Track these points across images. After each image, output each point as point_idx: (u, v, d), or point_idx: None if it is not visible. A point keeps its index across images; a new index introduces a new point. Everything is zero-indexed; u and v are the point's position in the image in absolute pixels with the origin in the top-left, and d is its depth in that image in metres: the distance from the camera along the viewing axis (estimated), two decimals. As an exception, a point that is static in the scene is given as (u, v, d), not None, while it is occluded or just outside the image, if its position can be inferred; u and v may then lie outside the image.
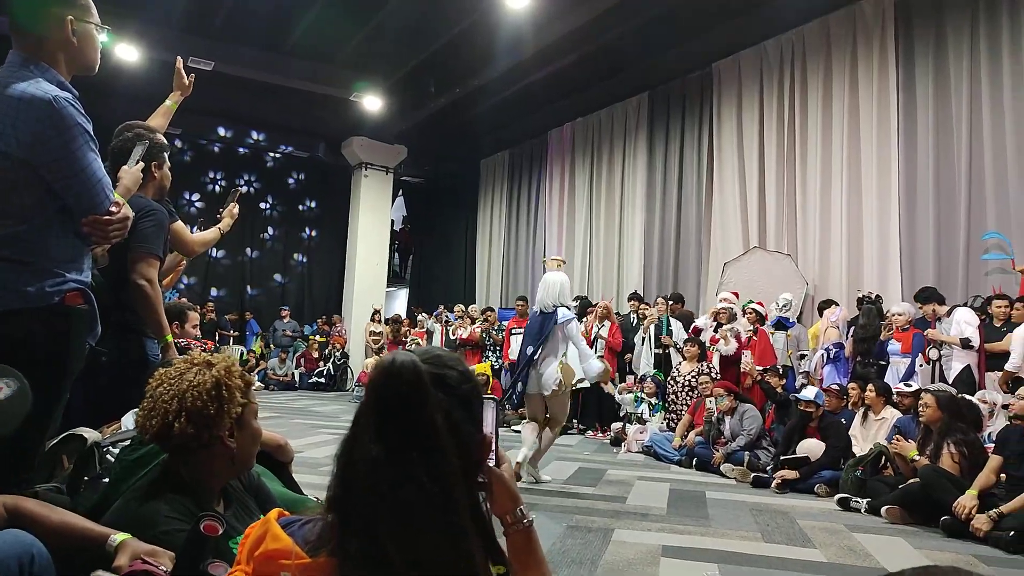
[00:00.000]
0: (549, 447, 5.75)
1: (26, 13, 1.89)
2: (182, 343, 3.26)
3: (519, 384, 5.53)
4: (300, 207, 16.46)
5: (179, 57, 3.41)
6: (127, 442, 1.92)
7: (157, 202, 2.77)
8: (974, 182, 7.25)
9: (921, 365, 6.38)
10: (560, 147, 13.37)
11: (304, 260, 16.43)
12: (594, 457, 7.01)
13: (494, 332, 10.67)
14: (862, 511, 4.93)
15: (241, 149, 15.46)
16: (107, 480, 1.87)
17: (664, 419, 7.78)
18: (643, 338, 8.79)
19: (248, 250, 15.63)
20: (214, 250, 14.15)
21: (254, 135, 14.61)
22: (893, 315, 6.77)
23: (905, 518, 4.67)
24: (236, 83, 11.43)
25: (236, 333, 14.22)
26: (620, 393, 8.40)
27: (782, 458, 5.80)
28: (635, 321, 9.26)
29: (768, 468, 5.94)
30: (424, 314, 13.34)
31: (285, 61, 11.17)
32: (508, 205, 14.87)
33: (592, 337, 8.63)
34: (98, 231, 1.94)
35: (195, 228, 3.59)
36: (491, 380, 9.41)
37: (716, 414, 6.65)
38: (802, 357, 7.85)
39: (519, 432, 8.45)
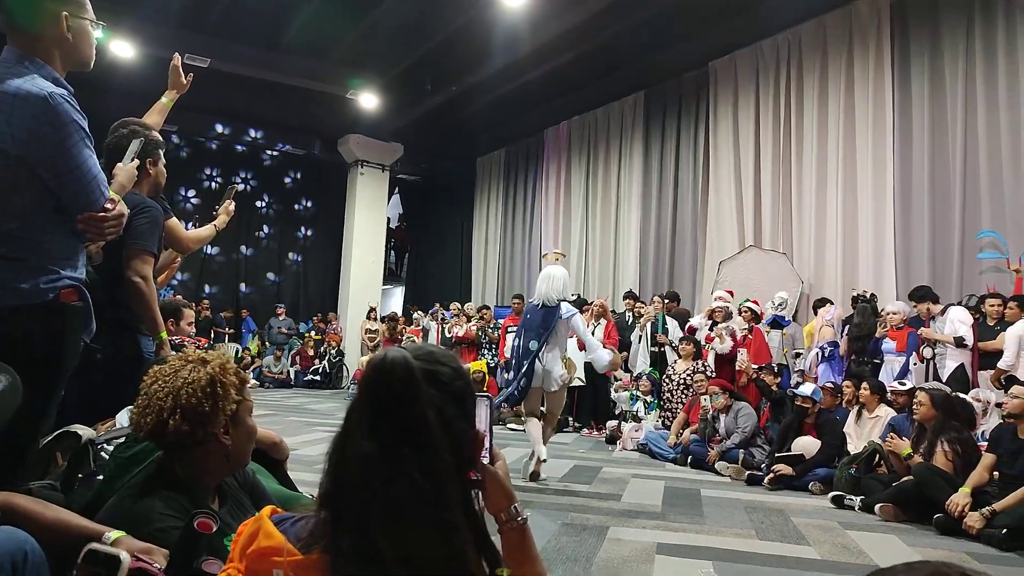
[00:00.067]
0: (547, 442, 5.75)
1: (21, 9, 1.89)
2: (176, 340, 3.25)
3: (522, 380, 5.35)
4: (296, 206, 16.44)
5: (176, 54, 3.40)
6: (122, 439, 1.92)
7: (152, 199, 2.76)
8: (969, 181, 7.28)
9: (915, 364, 6.40)
10: (556, 145, 13.37)
11: (299, 259, 16.41)
12: (589, 455, 7.02)
13: (490, 330, 10.68)
14: (856, 509, 4.95)
15: (239, 147, 15.43)
16: (101, 477, 1.86)
17: (659, 417, 7.80)
18: (640, 336, 8.80)
19: (243, 247, 15.60)
20: (209, 247, 14.12)
21: (252, 133, 14.57)
22: (888, 314, 6.79)
23: (899, 516, 4.69)
24: (232, 80, 11.39)
25: (232, 331, 14.18)
26: (616, 391, 8.42)
27: (777, 455, 5.82)
28: (631, 319, 9.27)
29: (763, 466, 5.96)
30: (420, 312, 13.34)
31: (281, 58, 11.14)
32: (504, 203, 14.87)
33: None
34: (93, 228, 1.94)
35: (190, 225, 3.57)
36: (487, 378, 9.42)
37: (711, 412, 6.67)
38: (797, 355, 7.87)
39: (514, 430, 8.48)
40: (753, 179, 9.47)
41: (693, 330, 8.22)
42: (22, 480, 1.82)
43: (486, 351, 10.61)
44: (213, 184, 15.15)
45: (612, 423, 8.16)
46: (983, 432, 5.21)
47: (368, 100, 11.96)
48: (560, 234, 12.91)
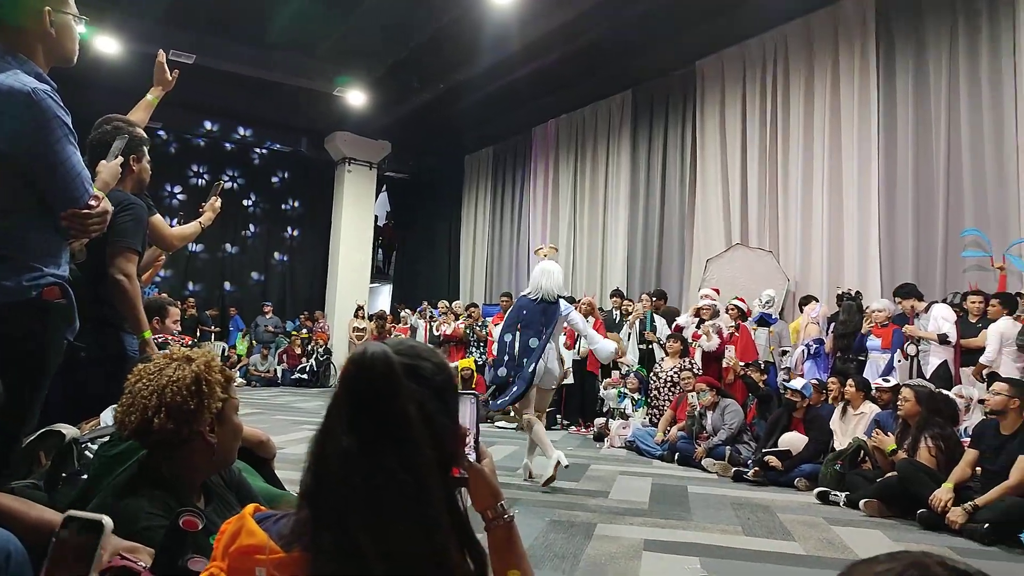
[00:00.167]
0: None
1: (3, 5, 1.87)
2: (160, 339, 3.23)
3: (528, 378, 5.10)
4: (283, 206, 16.37)
5: (161, 51, 3.37)
6: (106, 438, 1.91)
7: (136, 196, 2.74)
8: (952, 180, 7.35)
9: (900, 360, 6.46)
10: (544, 144, 13.38)
11: (285, 259, 16.34)
12: (577, 452, 7.03)
13: (478, 328, 10.67)
14: (841, 504, 4.99)
15: (227, 144, 15.34)
16: (86, 476, 1.85)
17: (647, 414, 7.83)
18: (628, 334, 8.83)
19: (228, 246, 15.51)
20: (193, 244, 14.02)
21: (241, 130, 14.49)
22: (872, 311, 6.85)
23: (883, 511, 4.73)
24: (218, 76, 11.32)
25: (218, 329, 14.10)
26: (604, 388, 8.44)
27: (764, 451, 5.86)
28: (618, 318, 9.29)
29: (749, 462, 6.00)
30: (408, 310, 13.31)
31: (267, 55, 11.07)
32: (492, 201, 14.86)
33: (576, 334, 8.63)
34: (77, 225, 1.92)
35: (175, 222, 3.54)
36: (475, 375, 9.42)
37: (698, 409, 6.70)
38: (784, 353, 7.93)
39: (502, 428, 8.48)
40: (739, 177, 9.52)
41: (680, 328, 8.25)
42: (5, 479, 1.80)
43: (474, 349, 10.61)
44: (200, 181, 15.08)
45: (600, 420, 8.19)
46: (966, 428, 5.27)
47: (355, 97, 11.91)
48: (548, 232, 12.91)
